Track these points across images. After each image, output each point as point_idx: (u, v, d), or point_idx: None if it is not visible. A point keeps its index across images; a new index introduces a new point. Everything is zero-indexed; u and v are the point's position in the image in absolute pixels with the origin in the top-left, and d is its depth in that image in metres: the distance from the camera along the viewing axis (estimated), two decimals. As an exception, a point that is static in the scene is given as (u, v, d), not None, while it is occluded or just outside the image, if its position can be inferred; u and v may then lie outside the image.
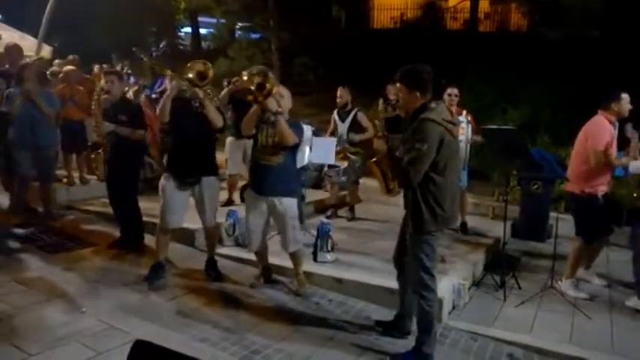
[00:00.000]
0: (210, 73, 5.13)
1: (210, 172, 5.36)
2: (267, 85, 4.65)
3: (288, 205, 4.99)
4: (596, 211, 5.52)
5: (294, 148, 4.96)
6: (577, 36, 11.49)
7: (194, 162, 5.18)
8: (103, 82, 6.22)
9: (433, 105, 3.91)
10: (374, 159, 4.45)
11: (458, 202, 4.21)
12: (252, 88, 4.68)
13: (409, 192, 3.99)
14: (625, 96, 5.45)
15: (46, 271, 5.48)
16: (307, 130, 5.81)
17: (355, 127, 7.67)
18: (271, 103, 4.71)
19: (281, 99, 4.90)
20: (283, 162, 4.90)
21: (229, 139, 7.77)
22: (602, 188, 5.53)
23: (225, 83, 7.66)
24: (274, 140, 4.84)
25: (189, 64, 5.12)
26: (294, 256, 5.23)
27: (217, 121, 5.14)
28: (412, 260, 4.05)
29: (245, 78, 4.82)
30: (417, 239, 4.00)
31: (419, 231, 3.95)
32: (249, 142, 7.40)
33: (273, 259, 5.55)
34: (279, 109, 4.74)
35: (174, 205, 5.23)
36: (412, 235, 4.03)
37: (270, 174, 4.90)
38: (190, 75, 5.01)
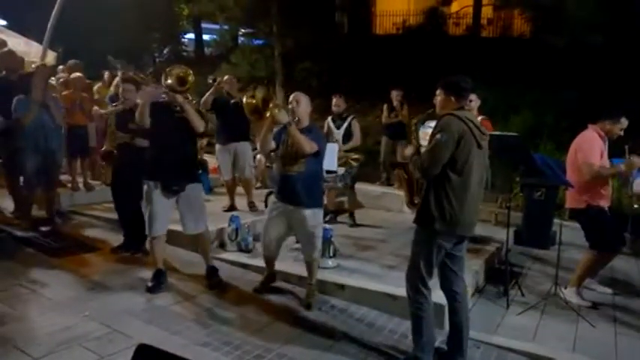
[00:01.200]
0: (191, 78, 5.10)
1: (194, 178, 5.35)
2: (270, 105, 4.70)
3: (310, 214, 4.94)
4: (605, 222, 5.52)
5: (316, 156, 4.85)
6: (580, 42, 11.47)
7: (177, 169, 5.14)
8: (112, 88, 6.27)
9: (463, 111, 3.92)
10: (399, 164, 4.38)
11: (475, 212, 4.00)
12: (254, 101, 4.72)
13: (424, 190, 3.98)
14: (624, 120, 5.48)
15: (50, 275, 5.49)
16: None
17: (349, 133, 7.74)
18: (280, 116, 4.66)
19: (297, 106, 4.90)
20: (304, 170, 4.84)
21: (217, 147, 7.79)
22: (602, 202, 5.52)
23: (210, 81, 7.59)
24: (293, 150, 4.81)
25: (167, 69, 5.10)
26: (311, 265, 5.18)
27: (198, 124, 5.08)
28: (409, 264, 4.06)
29: (245, 100, 4.87)
30: (420, 237, 3.98)
31: (423, 226, 3.93)
32: (239, 146, 7.49)
33: (278, 265, 5.54)
34: (290, 120, 4.71)
35: (161, 214, 5.20)
36: (416, 232, 4.01)
37: (291, 183, 4.88)
38: (169, 81, 5.00)
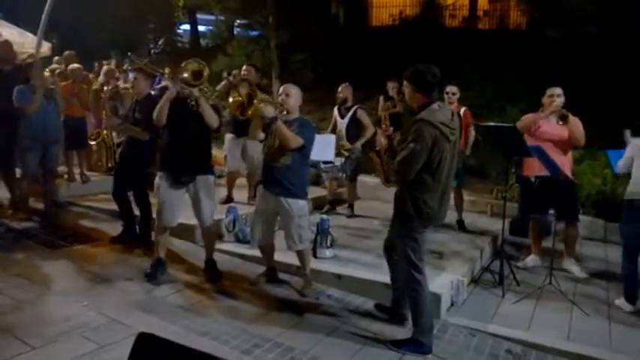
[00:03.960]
0: (206, 71, 5.13)
1: (206, 170, 5.36)
2: (255, 101, 4.74)
3: (294, 205, 4.97)
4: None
5: (301, 150, 4.88)
6: (576, 34, 11.49)
7: (188, 161, 5.17)
8: (101, 77, 6.28)
9: (435, 106, 4.03)
10: (375, 149, 4.57)
11: (447, 202, 4.31)
12: (239, 98, 4.76)
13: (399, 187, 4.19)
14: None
15: (48, 265, 5.51)
16: None
17: (355, 123, 7.67)
18: (266, 111, 4.73)
19: (286, 98, 4.93)
20: (290, 163, 4.87)
21: (228, 136, 7.74)
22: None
23: (225, 74, 7.59)
24: (279, 143, 4.84)
25: (183, 64, 5.13)
26: (300, 255, 5.21)
27: (213, 121, 5.12)
28: (400, 257, 4.24)
29: (231, 99, 4.91)
30: (401, 232, 4.21)
31: (403, 225, 4.16)
32: (249, 140, 7.44)
33: (277, 256, 5.53)
34: (276, 114, 4.76)
35: (169, 204, 5.24)
36: (397, 230, 4.26)
37: (277, 175, 4.91)
38: (185, 75, 5.03)
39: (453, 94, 7.16)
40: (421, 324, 4.20)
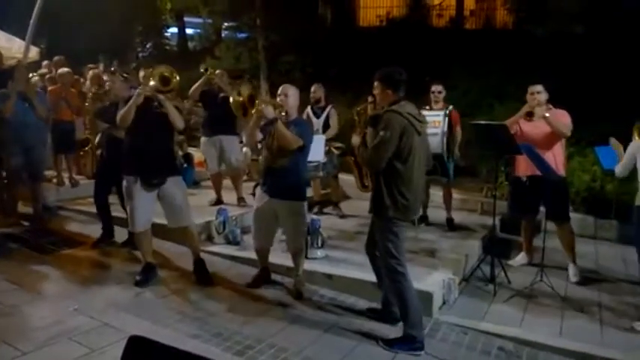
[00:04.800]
0: (175, 78, 5.12)
1: (175, 171, 5.37)
2: (256, 102, 4.75)
3: (294, 206, 4.98)
4: None
5: (300, 150, 4.87)
6: (562, 32, 11.54)
7: (157, 163, 5.13)
8: (88, 82, 6.28)
9: (403, 103, 4.24)
10: (353, 156, 4.64)
11: (421, 194, 4.54)
12: (241, 99, 4.75)
13: (374, 179, 4.33)
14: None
15: (38, 270, 5.49)
16: None
17: (328, 123, 7.76)
18: (267, 111, 4.71)
19: (285, 99, 4.93)
20: (288, 164, 4.87)
21: (202, 139, 7.71)
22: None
23: (202, 70, 7.51)
24: (278, 144, 4.83)
25: (151, 69, 5.12)
26: (296, 256, 5.20)
27: (178, 122, 5.11)
28: (381, 252, 4.33)
29: (232, 99, 4.92)
30: (380, 226, 4.32)
31: (380, 216, 4.28)
32: (226, 139, 7.42)
33: (271, 258, 5.52)
34: (276, 115, 4.75)
35: (142, 207, 5.19)
36: (376, 222, 4.39)
37: (276, 176, 4.91)
38: (152, 82, 4.99)
39: (439, 92, 7.15)
40: (410, 317, 4.24)
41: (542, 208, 6.19)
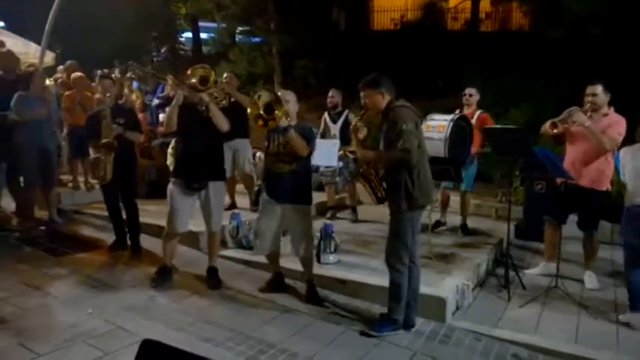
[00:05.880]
0: (212, 76, 5.21)
1: (218, 176, 5.42)
2: (277, 112, 4.64)
3: (300, 210, 4.99)
4: None
5: (309, 155, 4.92)
6: (579, 34, 11.46)
7: (202, 167, 5.22)
8: (99, 90, 6.37)
9: (400, 100, 4.36)
10: (360, 171, 4.66)
11: (431, 187, 4.57)
12: (261, 112, 4.70)
13: (389, 178, 4.46)
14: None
15: (53, 273, 5.53)
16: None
17: (348, 127, 7.68)
18: (282, 122, 4.73)
19: (286, 104, 4.90)
20: (296, 169, 4.88)
21: None
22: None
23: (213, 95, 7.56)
24: (285, 148, 4.84)
25: (189, 71, 5.20)
26: (304, 261, 5.20)
27: (223, 124, 5.17)
28: (392, 237, 4.42)
29: (249, 110, 4.81)
30: (398, 217, 4.38)
31: (395, 209, 4.35)
32: (239, 143, 7.42)
33: (284, 263, 5.51)
34: (288, 123, 4.76)
35: (181, 210, 5.26)
36: (393, 215, 4.43)
37: (282, 181, 4.91)
38: (193, 80, 5.10)
39: (471, 95, 7.00)
40: (398, 307, 4.49)
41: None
